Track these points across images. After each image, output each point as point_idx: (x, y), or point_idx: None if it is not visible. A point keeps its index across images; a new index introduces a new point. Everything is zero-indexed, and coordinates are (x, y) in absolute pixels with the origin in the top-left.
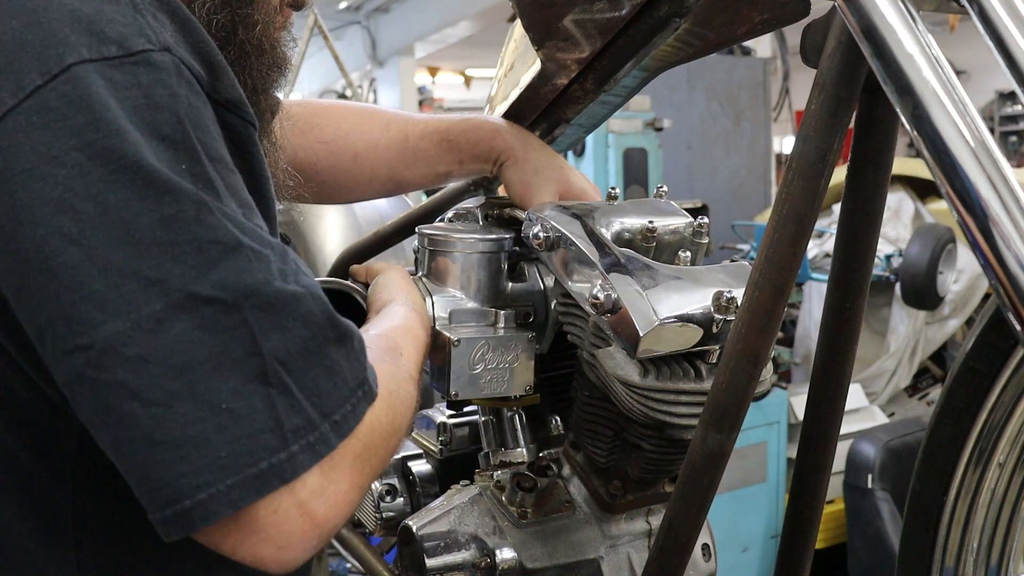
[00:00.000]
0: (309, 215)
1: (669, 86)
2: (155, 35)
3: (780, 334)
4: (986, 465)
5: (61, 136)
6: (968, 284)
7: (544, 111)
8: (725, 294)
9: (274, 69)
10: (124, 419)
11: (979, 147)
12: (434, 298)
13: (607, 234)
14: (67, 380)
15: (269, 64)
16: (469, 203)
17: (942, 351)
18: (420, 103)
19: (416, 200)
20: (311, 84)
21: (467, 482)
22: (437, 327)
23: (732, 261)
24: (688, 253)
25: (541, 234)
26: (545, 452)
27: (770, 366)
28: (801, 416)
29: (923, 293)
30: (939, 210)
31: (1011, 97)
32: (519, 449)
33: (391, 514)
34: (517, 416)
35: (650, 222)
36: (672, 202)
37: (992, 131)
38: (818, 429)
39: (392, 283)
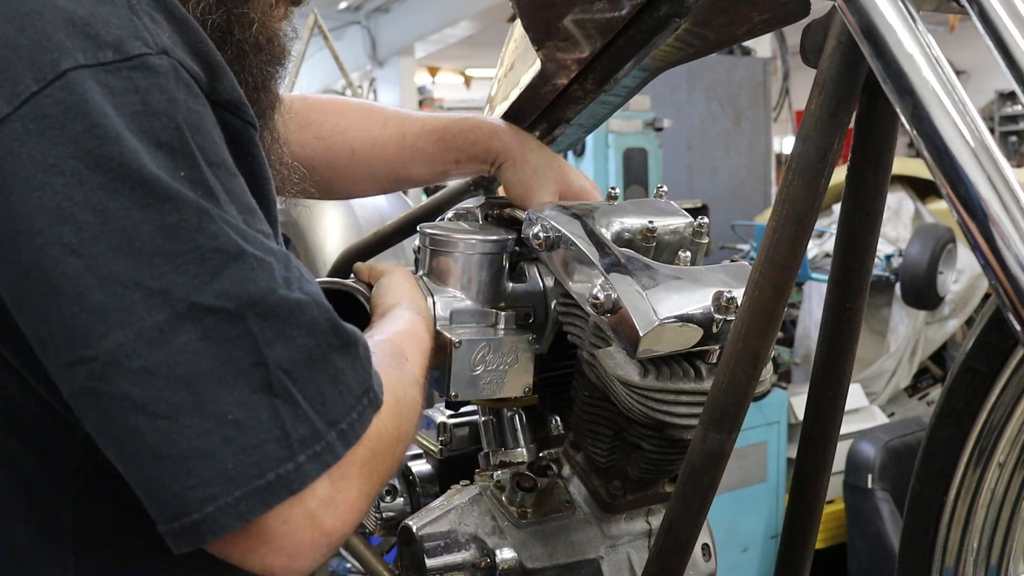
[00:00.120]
0: (309, 215)
1: (669, 86)
2: (152, 37)
3: (780, 334)
4: (986, 465)
5: (58, 144)
6: (968, 284)
7: (544, 111)
8: (725, 294)
9: (273, 64)
10: (130, 432)
11: (979, 147)
12: (435, 298)
13: (607, 234)
14: (71, 392)
15: (268, 59)
16: (469, 203)
17: (942, 351)
18: (420, 103)
19: (416, 200)
20: (311, 84)
21: (467, 482)
22: (438, 327)
23: (732, 261)
24: (688, 253)
25: (541, 234)
26: (545, 452)
27: (770, 366)
28: (801, 416)
29: (923, 293)
30: (939, 210)
31: (1011, 97)
32: (519, 449)
33: (391, 514)
34: (517, 416)
35: (650, 222)
36: (672, 202)
37: (992, 131)
38: (818, 429)
39: (397, 286)
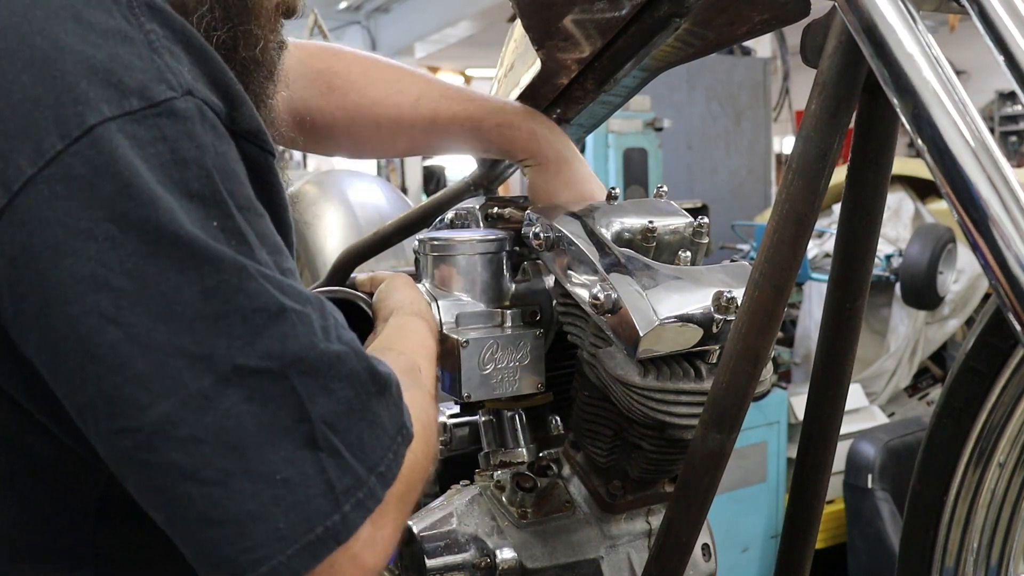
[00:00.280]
0: (309, 215)
1: (669, 86)
2: (175, 77)
3: (780, 334)
4: (986, 465)
5: (90, 207)
6: (968, 284)
7: (544, 111)
8: (725, 294)
9: (269, 79)
10: (179, 500)
11: (979, 147)
12: (439, 303)
13: (607, 234)
14: (113, 459)
15: (266, 74)
16: (469, 203)
17: (942, 351)
18: None
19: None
20: None
21: (467, 482)
22: (445, 331)
23: (732, 261)
24: (688, 253)
25: (541, 234)
26: (545, 452)
27: (770, 366)
28: (801, 416)
29: (923, 293)
30: (939, 210)
31: (1011, 97)
32: (519, 449)
33: None
34: (517, 416)
35: (650, 222)
36: (672, 202)
37: (992, 131)
38: (818, 429)
39: (397, 291)
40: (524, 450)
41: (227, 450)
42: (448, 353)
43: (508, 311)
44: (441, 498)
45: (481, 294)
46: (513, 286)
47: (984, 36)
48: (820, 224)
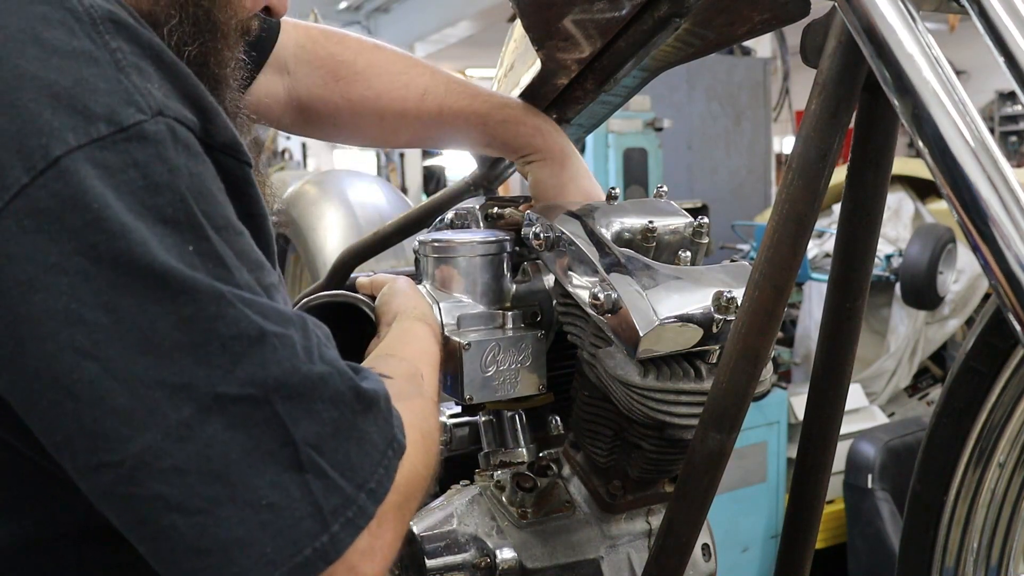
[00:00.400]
0: (309, 215)
1: (669, 86)
2: (144, 98)
3: (780, 334)
4: (986, 465)
5: (59, 240)
6: (968, 284)
7: (544, 111)
8: (725, 294)
9: (238, 93)
10: (164, 531)
11: (979, 147)
12: (441, 305)
13: (607, 234)
14: (95, 494)
15: (235, 90)
16: (469, 203)
17: (942, 351)
18: None
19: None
20: None
21: (467, 482)
22: (446, 333)
23: (732, 261)
24: (688, 253)
25: (541, 234)
26: (545, 452)
27: (770, 366)
28: (801, 416)
29: (923, 293)
30: (939, 210)
31: (1011, 97)
32: (519, 449)
33: None
34: (517, 416)
35: (650, 222)
36: (672, 202)
37: (992, 131)
38: (818, 429)
39: (400, 295)
40: (524, 450)
41: (211, 479)
42: (450, 355)
43: (509, 312)
44: (441, 498)
45: (482, 295)
46: (513, 287)
47: (984, 36)
48: (820, 224)
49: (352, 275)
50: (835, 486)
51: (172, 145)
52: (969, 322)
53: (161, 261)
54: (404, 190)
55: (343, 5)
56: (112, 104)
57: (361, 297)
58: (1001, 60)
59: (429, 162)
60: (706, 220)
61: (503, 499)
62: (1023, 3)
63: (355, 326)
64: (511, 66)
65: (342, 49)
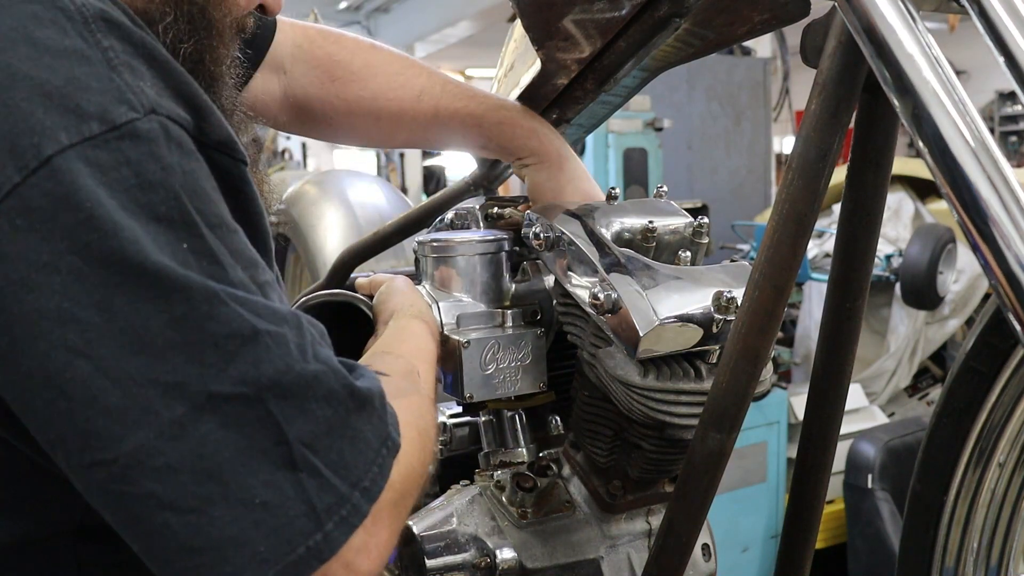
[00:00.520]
0: (309, 215)
1: (669, 86)
2: (136, 97)
3: (780, 334)
4: (986, 465)
5: (51, 239)
6: (968, 284)
7: (544, 111)
8: (725, 294)
9: (236, 91)
10: (158, 529)
11: (979, 147)
12: (440, 304)
13: (607, 234)
14: (88, 492)
15: (231, 87)
16: (469, 203)
17: (942, 351)
18: None
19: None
20: None
21: (467, 482)
22: (446, 332)
23: (732, 261)
24: (688, 253)
25: (541, 234)
26: (545, 452)
27: (770, 366)
28: (801, 416)
29: (923, 293)
30: (939, 210)
31: (1011, 97)
32: (519, 449)
33: None
34: (517, 416)
35: (650, 222)
36: (672, 202)
37: (992, 131)
38: (818, 429)
39: (397, 293)
40: (524, 450)
41: (204, 477)
42: (449, 354)
43: (508, 311)
44: (441, 498)
45: (481, 295)
46: (513, 286)
47: (984, 36)
48: (820, 224)
49: (352, 275)
50: (835, 486)
51: (165, 143)
52: (969, 322)
53: (154, 260)
54: (404, 190)
55: (343, 5)
56: (104, 103)
57: (359, 296)
58: (1001, 60)
59: (429, 162)
60: (706, 220)
61: (503, 499)
62: (1023, 3)
63: (354, 325)
64: (511, 66)
65: (339, 49)
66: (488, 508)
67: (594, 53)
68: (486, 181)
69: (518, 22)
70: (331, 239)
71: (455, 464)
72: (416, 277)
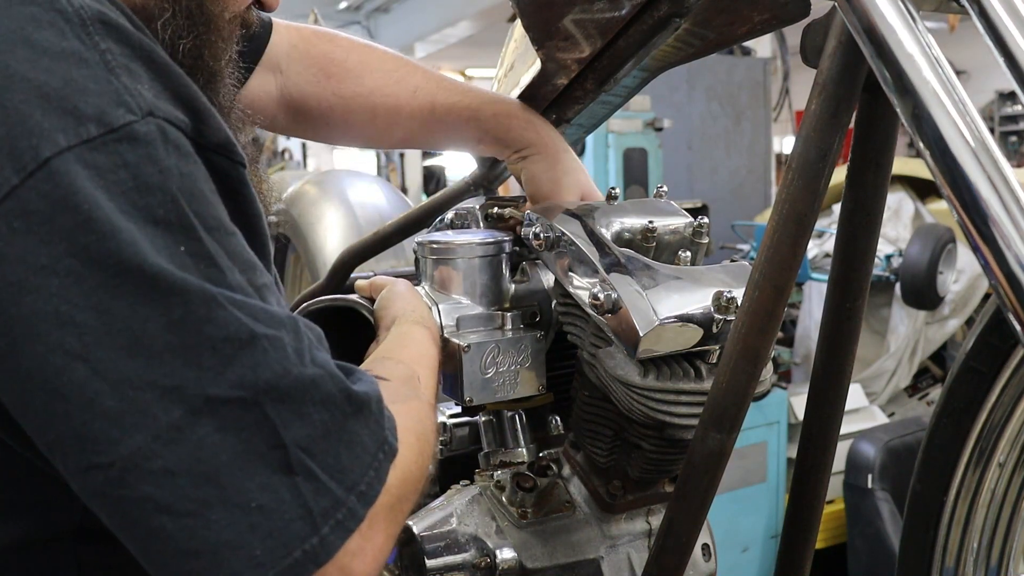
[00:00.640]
0: (309, 215)
1: (669, 86)
2: (134, 99)
3: (780, 334)
4: (986, 465)
5: (49, 242)
6: (968, 284)
7: (544, 111)
8: (725, 294)
9: (234, 90)
10: (154, 532)
11: (979, 147)
12: (440, 307)
13: (607, 234)
14: (86, 495)
15: (231, 85)
16: (469, 203)
17: (942, 351)
18: None
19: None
20: None
21: (467, 482)
22: (446, 335)
23: (732, 261)
24: (688, 253)
25: (541, 234)
26: (545, 452)
27: (770, 366)
28: (801, 416)
29: (923, 293)
30: (939, 210)
31: (1011, 97)
32: (519, 449)
33: None
34: (517, 416)
35: (650, 222)
36: (672, 202)
37: (992, 131)
38: (818, 429)
39: (399, 298)
40: (524, 450)
41: (201, 481)
42: (450, 357)
43: (508, 313)
44: (441, 498)
45: (481, 296)
46: (513, 287)
47: (984, 36)
48: (820, 224)
49: (352, 275)
50: (835, 486)
51: (163, 146)
52: (969, 322)
53: (152, 262)
54: (404, 190)
55: (343, 5)
56: (102, 105)
57: (360, 300)
58: (1001, 60)
59: (429, 162)
60: (706, 220)
61: (503, 499)
62: (1023, 3)
63: (355, 329)
64: (511, 66)
65: (334, 48)
66: (488, 508)
67: (594, 53)
68: (486, 181)
69: (518, 22)
70: (331, 239)
71: (455, 464)
72: (416, 277)
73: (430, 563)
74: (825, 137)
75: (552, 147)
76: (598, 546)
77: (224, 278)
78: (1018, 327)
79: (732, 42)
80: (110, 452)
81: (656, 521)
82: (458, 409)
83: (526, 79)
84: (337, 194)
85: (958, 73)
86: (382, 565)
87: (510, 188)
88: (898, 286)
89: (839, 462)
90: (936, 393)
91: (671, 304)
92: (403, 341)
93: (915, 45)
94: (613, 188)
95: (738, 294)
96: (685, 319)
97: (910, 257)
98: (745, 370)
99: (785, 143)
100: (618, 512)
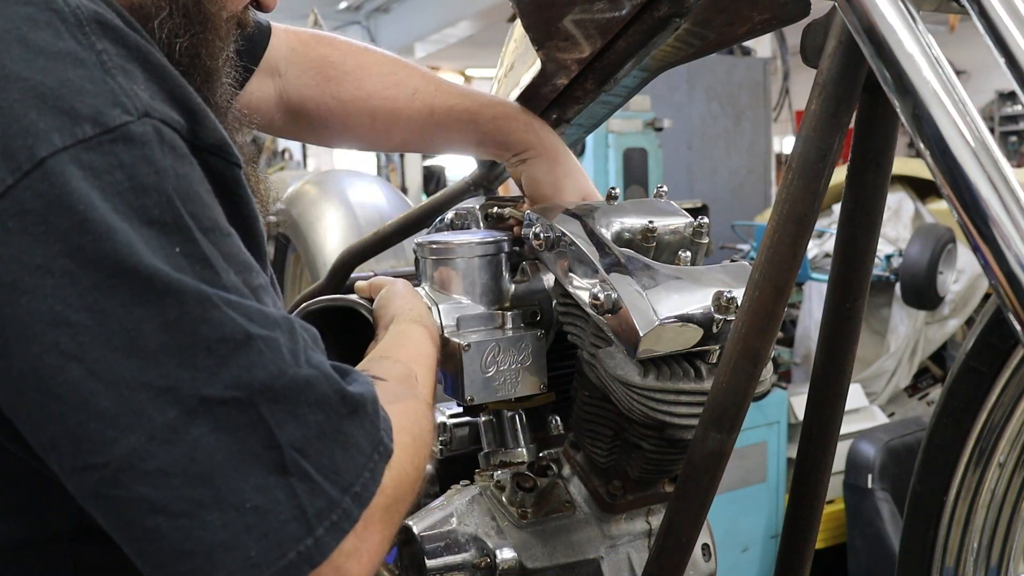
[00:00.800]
0: (309, 215)
1: (669, 86)
2: (130, 100)
3: (780, 334)
4: (986, 465)
5: (44, 242)
6: (968, 284)
7: (544, 111)
8: (725, 294)
9: (232, 89)
10: (149, 533)
11: (979, 147)
12: (440, 307)
13: (607, 234)
14: (81, 495)
15: (228, 85)
16: (469, 203)
17: (942, 351)
18: None
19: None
20: None
21: (467, 482)
22: (446, 334)
23: (732, 261)
24: (688, 253)
25: (541, 234)
26: (545, 452)
27: (770, 366)
28: (801, 416)
29: (923, 293)
30: (939, 210)
31: (1011, 97)
32: (519, 449)
33: None
34: (517, 416)
35: (650, 222)
36: (672, 202)
37: (992, 131)
38: (818, 429)
39: (397, 297)
40: (524, 450)
41: (196, 481)
42: (450, 357)
43: (508, 313)
44: (441, 498)
45: (481, 296)
46: (513, 287)
47: (984, 36)
48: (820, 224)
49: (352, 275)
50: (835, 486)
51: (158, 146)
52: (969, 322)
53: (147, 263)
54: (404, 190)
55: (343, 5)
56: (98, 105)
57: (359, 300)
58: (1001, 60)
59: (429, 162)
60: (706, 220)
61: (503, 499)
62: (1023, 3)
63: (355, 329)
64: (511, 66)
65: (332, 51)
66: (488, 508)
67: (594, 53)
68: (486, 181)
69: (518, 22)
70: (331, 239)
71: (455, 464)
72: (416, 277)
73: (430, 563)
74: (825, 137)
75: (552, 149)
76: (598, 546)
77: (219, 279)
78: (1018, 327)
79: (732, 42)
80: (105, 452)
81: (656, 521)
82: (458, 409)
83: (526, 79)
84: (337, 194)
85: (958, 73)
86: (377, 566)
87: (510, 188)
88: (898, 286)
89: (839, 462)
90: (936, 393)
91: (671, 304)
92: (401, 340)
93: (915, 45)
94: (613, 188)
95: (738, 294)
96: (685, 319)
97: (910, 257)
98: (745, 370)
99: (785, 143)
100: (618, 512)
